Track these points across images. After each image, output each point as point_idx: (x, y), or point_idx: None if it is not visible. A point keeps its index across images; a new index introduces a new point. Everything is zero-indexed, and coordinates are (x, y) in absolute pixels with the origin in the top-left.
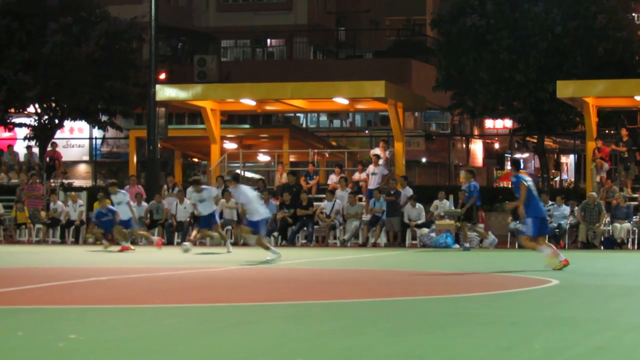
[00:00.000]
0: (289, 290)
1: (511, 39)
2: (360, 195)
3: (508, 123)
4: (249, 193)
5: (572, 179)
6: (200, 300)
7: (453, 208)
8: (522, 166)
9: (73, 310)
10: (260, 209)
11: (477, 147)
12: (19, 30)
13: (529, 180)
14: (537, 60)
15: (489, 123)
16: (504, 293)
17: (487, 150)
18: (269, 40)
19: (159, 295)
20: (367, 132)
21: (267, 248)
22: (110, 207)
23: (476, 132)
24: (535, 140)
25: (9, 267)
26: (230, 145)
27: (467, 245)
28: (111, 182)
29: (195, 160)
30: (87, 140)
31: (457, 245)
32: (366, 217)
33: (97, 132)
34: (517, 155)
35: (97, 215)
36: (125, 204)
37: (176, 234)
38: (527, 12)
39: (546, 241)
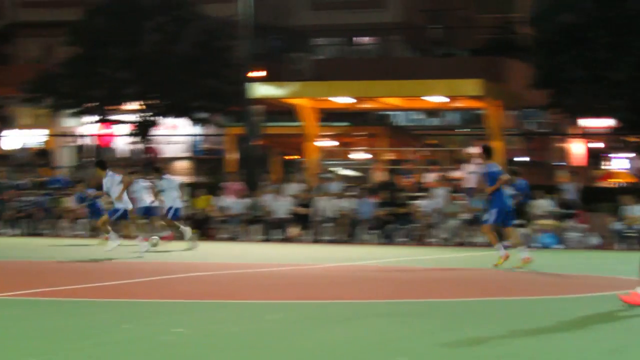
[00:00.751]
0: (389, 288)
1: (609, 37)
2: (458, 194)
3: (607, 122)
4: (115, 179)
5: None
6: (302, 296)
7: (553, 207)
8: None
9: (177, 305)
10: (125, 198)
11: (575, 146)
12: (118, 28)
13: (499, 170)
14: (637, 59)
15: (587, 122)
16: (608, 295)
17: (586, 150)
18: (363, 38)
19: (262, 290)
20: (464, 130)
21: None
22: (89, 190)
23: (574, 131)
24: (638, 140)
25: (113, 262)
26: (327, 143)
27: (507, 243)
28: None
29: (293, 157)
30: (187, 137)
31: (558, 245)
32: (465, 215)
33: (196, 129)
34: (618, 155)
35: (79, 201)
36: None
37: (275, 230)
38: (624, 10)
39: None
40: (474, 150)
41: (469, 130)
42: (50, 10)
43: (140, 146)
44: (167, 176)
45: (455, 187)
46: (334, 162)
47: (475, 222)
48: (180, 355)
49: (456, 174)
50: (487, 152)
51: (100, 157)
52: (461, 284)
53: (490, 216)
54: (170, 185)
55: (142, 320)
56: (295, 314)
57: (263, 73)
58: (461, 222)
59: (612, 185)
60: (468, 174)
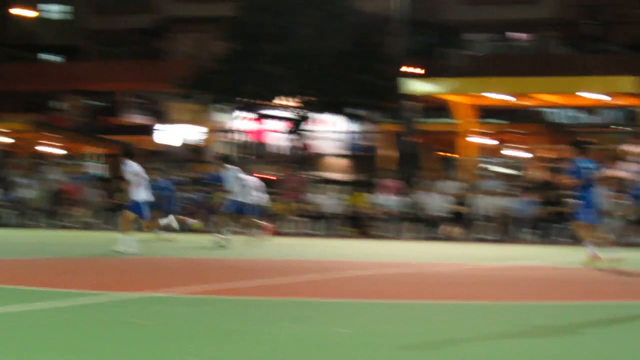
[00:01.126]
0: (554, 290)
1: None
2: (620, 194)
3: None
4: (138, 170)
5: None
6: (468, 297)
7: None
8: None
9: (340, 304)
10: (144, 190)
11: None
12: (271, 24)
13: (588, 166)
14: None
15: None
16: None
17: None
18: (516, 34)
19: (426, 290)
20: (620, 127)
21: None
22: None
23: None
24: None
25: (273, 259)
26: (483, 140)
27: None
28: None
29: (450, 154)
30: (342, 134)
31: None
32: (629, 216)
33: (351, 126)
34: None
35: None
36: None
37: (431, 228)
38: None
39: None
40: (632, 148)
41: (627, 127)
42: (203, 6)
43: (295, 142)
44: (229, 166)
45: (617, 187)
46: (490, 160)
47: (638, 222)
48: (347, 355)
49: (618, 173)
50: (580, 148)
51: (225, 154)
52: (624, 285)
53: (581, 214)
54: (232, 177)
55: (305, 319)
56: (461, 315)
57: (420, 70)
58: (623, 222)
59: None
60: (633, 173)
